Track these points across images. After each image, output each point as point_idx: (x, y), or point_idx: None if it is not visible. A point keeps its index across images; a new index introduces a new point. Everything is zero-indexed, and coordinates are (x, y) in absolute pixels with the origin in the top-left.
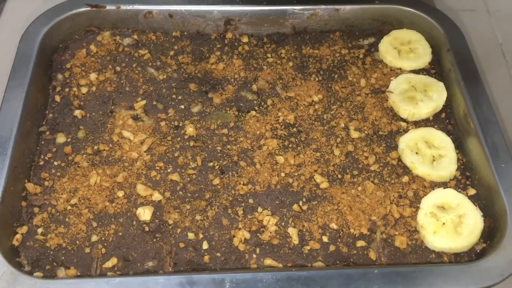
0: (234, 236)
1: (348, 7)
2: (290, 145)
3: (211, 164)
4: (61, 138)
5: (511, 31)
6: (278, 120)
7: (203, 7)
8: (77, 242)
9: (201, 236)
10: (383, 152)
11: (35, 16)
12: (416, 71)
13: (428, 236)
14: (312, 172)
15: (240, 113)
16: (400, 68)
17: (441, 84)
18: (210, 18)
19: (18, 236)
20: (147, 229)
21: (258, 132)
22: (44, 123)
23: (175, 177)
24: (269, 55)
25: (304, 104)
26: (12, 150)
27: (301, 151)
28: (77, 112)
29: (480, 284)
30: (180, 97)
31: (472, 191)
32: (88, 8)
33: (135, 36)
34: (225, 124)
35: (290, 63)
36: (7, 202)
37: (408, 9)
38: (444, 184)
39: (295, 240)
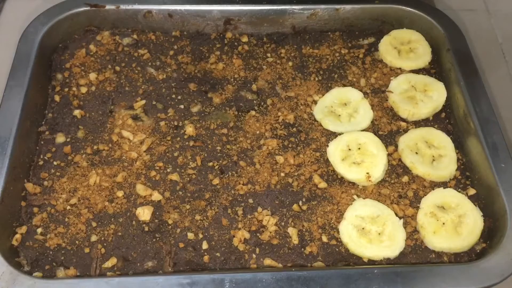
0: (233, 236)
1: (348, 7)
2: (290, 145)
3: (210, 164)
4: (60, 138)
5: (511, 31)
6: (277, 120)
7: (203, 7)
8: (77, 242)
9: (200, 236)
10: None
11: (35, 15)
12: (416, 71)
13: (428, 236)
14: (312, 172)
15: (239, 113)
16: (400, 68)
17: (441, 84)
18: (209, 17)
19: (17, 236)
20: (146, 229)
21: (257, 132)
22: (43, 122)
23: (174, 177)
24: (269, 54)
25: (304, 104)
26: (11, 150)
27: (301, 151)
28: (77, 112)
29: (480, 284)
30: (179, 97)
31: (472, 191)
32: (88, 8)
33: (135, 36)
34: (225, 124)
35: (290, 63)
36: (7, 202)
37: (408, 9)
38: (444, 184)
39: (295, 240)
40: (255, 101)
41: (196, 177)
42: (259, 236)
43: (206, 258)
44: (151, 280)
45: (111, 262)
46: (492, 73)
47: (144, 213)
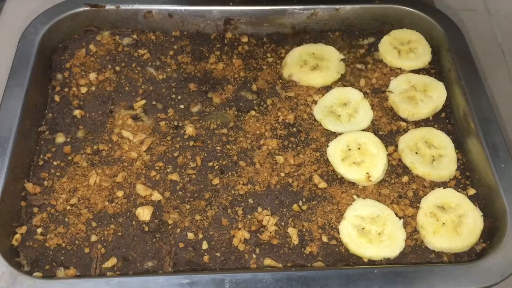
0: (233, 236)
1: (348, 7)
2: (290, 145)
3: (210, 164)
4: (60, 138)
5: (511, 31)
6: (277, 120)
7: (203, 7)
8: (77, 242)
9: (200, 236)
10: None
11: (35, 15)
12: (416, 71)
13: (428, 236)
14: (312, 172)
15: (239, 113)
16: (400, 68)
17: (441, 84)
18: (209, 17)
19: (17, 236)
20: (146, 229)
21: (257, 132)
22: (43, 122)
23: (174, 177)
24: (268, 54)
25: (304, 104)
26: (11, 150)
27: (301, 151)
28: (77, 112)
29: (480, 284)
30: (179, 97)
31: (472, 191)
32: (88, 8)
33: (135, 36)
34: (225, 124)
35: None
36: (7, 202)
37: (408, 9)
38: (444, 184)
39: (295, 240)
40: (255, 101)
41: (196, 177)
42: (259, 236)
43: (206, 258)
44: (151, 280)
45: (111, 262)
46: (492, 73)
47: (144, 213)
